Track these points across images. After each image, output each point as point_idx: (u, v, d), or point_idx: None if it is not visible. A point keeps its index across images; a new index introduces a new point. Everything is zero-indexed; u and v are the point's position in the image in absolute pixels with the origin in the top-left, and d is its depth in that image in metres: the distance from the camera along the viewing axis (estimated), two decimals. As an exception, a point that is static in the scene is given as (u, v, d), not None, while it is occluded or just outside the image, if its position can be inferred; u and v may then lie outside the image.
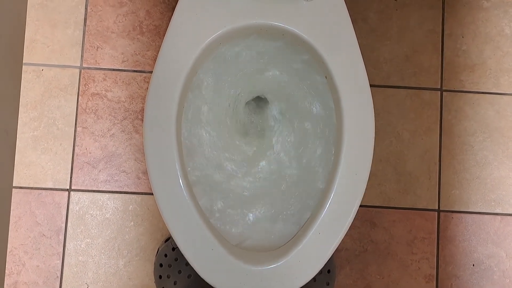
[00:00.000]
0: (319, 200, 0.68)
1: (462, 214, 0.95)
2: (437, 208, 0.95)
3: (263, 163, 0.76)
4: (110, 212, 0.93)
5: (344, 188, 0.65)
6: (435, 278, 0.94)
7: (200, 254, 0.64)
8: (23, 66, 0.95)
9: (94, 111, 0.95)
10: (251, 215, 0.73)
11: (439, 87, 0.97)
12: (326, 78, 0.70)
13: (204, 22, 0.68)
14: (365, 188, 0.66)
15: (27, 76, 0.95)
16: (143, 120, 0.74)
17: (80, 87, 0.95)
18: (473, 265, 0.94)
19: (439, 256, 0.94)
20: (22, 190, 0.93)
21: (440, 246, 0.94)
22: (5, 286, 0.91)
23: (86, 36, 0.96)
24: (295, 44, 0.71)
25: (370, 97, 0.67)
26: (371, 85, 0.96)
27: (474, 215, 0.95)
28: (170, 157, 0.65)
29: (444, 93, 0.97)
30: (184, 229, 0.64)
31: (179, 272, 0.87)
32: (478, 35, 0.99)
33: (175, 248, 0.88)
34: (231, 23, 0.68)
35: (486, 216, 0.95)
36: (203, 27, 0.68)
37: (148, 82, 0.94)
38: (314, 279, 0.87)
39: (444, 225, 0.95)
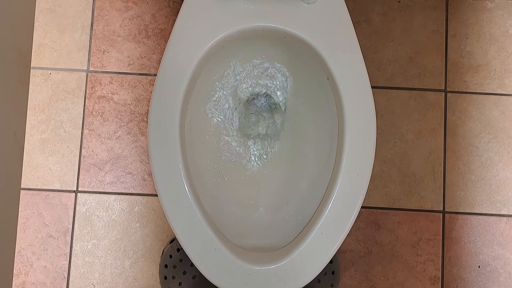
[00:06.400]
0: (322, 201, 0.68)
1: (467, 216, 0.94)
2: (442, 209, 0.95)
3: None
4: (116, 214, 0.94)
5: (346, 188, 0.66)
6: (440, 280, 0.93)
7: (204, 255, 0.65)
8: (31, 70, 0.97)
9: (100, 113, 0.96)
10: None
11: (443, 88, 0.97)
12: (328, 79, 0.70)
13: (207, 25, 0.69)
14: (367, 189, 0.66)
15: (35, 79, 0.96)
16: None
17: (87, 90, 0.96)
18: (479, 267, 0.93)
19: (444, 257, 0.94)
20: (30, 192, 0.94)
21: (445, 247, 0.94)
22: (13, 286, 0.92)
23: (92, 40, 0.98)
24: (297, 46, 0.71)
25: (372, 98, 0.67)
26: (375, 87, 0.97)
27: (479, 217, 0.94)
28: (174, 159, 0.66)
29: (449, 94, 0.97)
30: (188, 230, 0.65)
31: (184, 273, 0.88)
32: (482, 36, 0.98)
33: (180, 249, 0.89)
34: (234, 26, 0.69)
35: (491, 217, 0.94)
36: (206, 30, 0.69)
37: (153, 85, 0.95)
38: (318, 280, 0.87)
39: (449, 227, 0.94)
